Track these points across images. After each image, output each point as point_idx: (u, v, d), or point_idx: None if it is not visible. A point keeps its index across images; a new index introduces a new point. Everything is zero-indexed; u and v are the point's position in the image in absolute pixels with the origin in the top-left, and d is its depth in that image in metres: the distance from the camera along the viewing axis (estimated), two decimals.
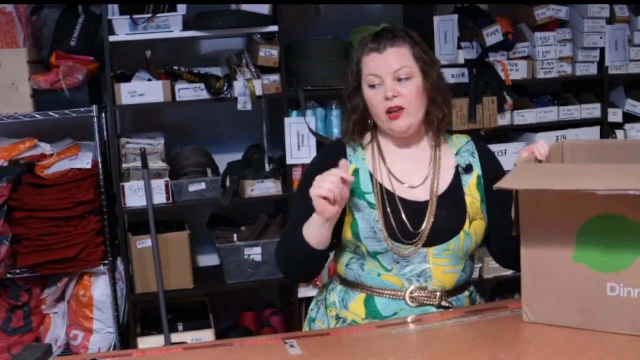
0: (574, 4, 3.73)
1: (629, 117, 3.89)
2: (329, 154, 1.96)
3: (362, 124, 1.94)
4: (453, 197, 1.89)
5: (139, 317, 3.51)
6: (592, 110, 3.78)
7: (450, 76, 3.58)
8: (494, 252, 1.99)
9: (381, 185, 1.89)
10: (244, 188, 3.45)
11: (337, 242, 1.93)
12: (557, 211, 1.59)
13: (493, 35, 3.56)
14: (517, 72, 3.67)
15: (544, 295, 1.64)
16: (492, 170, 1.95)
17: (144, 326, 3.49)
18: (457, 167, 1.94)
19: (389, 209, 1.86)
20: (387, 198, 1.87)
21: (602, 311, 1.57)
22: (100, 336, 3.37)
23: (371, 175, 1.90)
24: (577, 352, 1.51)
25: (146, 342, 3.34)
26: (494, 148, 3.62)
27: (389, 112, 1.85)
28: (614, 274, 1.55)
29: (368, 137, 1.97)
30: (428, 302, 1.86)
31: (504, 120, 3.66)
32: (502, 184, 1.58)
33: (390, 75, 1.84)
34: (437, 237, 1.85)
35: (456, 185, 1.91)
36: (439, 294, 1.87)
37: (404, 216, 1.86)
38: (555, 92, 3.97)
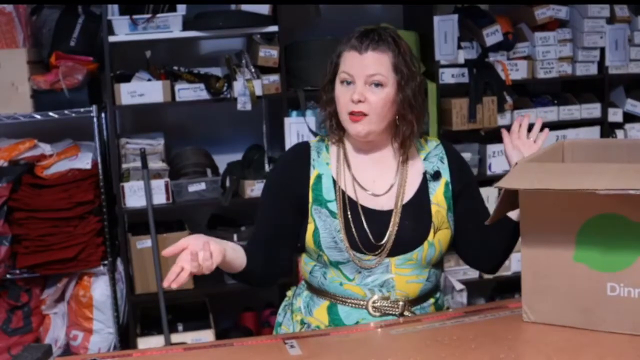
0: (574, 3, 3.73)
1: (629, 117, 3.89)
2: (292, 158, 1.93)
3: (337, 117, 1.88)
4: (418, 206, 1.85)
5: (138, 317, 3.51)
6: (592, 110, 3.78)
7: (450, 76, 3.58)
8: (466, 257, 1.97)
9: (344, 193, 1.84)
10: (243, 188, 3.45)
11: (301, 246, 1.90)
12: (558, 211, 1.59)
13: (493, 35, 3.56)
14: (517, 71, 3.67)
15: (544, 295, 1.64)
16: (462, 176, 1.91)
17: (144, 326, 3.49)
18: (424, 174, 1.89)
19: (350, 219, 1.82)
20: (350, 207, 1.83)
21: (602, 311, 1.57)
22: (100, 336, 3.37)
23: (334, 182, 1.86)
24: (577, 352, 1.51)
25: (146, 342, 3.34)
26: (494, 148, 3.64)
27: (351, 113, 1.80)
28: (614, 273, 1.55)
29: (334, 139, 1.91)
30: (390, 312, 1.83)
31: (503, 120, 3.66)
32: (502, 184, 1.58)
33: (363, 78, 1.79)
34: (400, 247, 1.82)
35: (422, 193, 1.86)
36: (401, 303, 1.84)
37: (366, 226, 1.82)
38: (555, 91, 3.97)
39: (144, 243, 3.40)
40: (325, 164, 1.88)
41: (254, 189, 3.44)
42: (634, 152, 1.82)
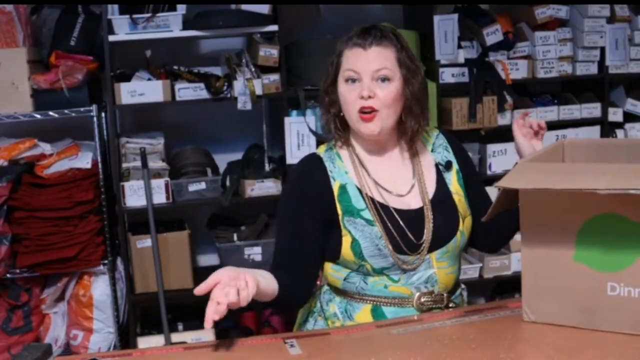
0: (574, 3, 3.73)
1: (629, 117, 3.89)
2: (308, 173, 1.88)
3: (342, 118, 1.86)
4: (443, 199, 1.87)
5: (138, 316, 3.51)
6: (592, 109, 3.78)
7: (450, 75, 3.58)
8: (478, 241, 1.98)
9: (372, 199, 1.83)
10: (243, 187, 3.45)
11: (326, 256, 1.87)
12: (558, 211, 1.59)
13: (493, 34, 3.56)
14: (517, 71, 3.67)
15: (544, 295, 1.64)
16: (466, 162, 1.96)
17: (144, 326, 3.49)
18: (436, 165, 1.91)
19: (389, 223, 1.81)
20: (384, 211, 1.82)
21: (602, 311, 1.57)
22: (100, 336, 3.37)
23: (359, 190, 1.84)
24: (577, 352, 1.51)
25: (146, 342, 3.34)
26: (494, 147, 3.64)
27: (362, 112, 1.78)
28: (614, 273, 1.55)
29: (340, 142, 1.89)
30: (435, 306, 1.85)
31: (504, 120, 3.65)
32: (503, 183, 1.58)
33: (369, 74, 1.78)
34: (438, 242, 1.83)
35: (442, 186, 1.89)
36: (445, 295, 1.86)
37: (405, 228, 1.82)
38: (555, 91, 3.97)
39: (144, 242, 3.40)
40: (344, 173, 1.86)
41: (254, 188, 3.44)
42: (634, 152, 1.81)
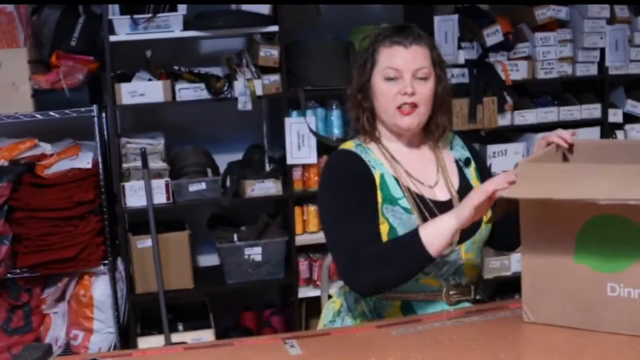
0: (574, 4, 3.74)
1: (629, 118, 3.89)
2: (350, 165, 1.89)
3: (373, 116, 1.92)
4: (467, 192, 1.87)
5: (139, 317, 3.51)
6: (592, 110, 3.78)
7: (450, 76, 3.58)
8: (494, 240, 1.99)
9: (408, 189, 1.87)
10: (244, 188, 3.45)
11: None
12: (558, 212, 1.59)
13: (493, 35, 3.57)
14: (517, 72, 3.68)
15: (544, 296, 1.64)
16: (481, 161, 2.04)
17: (144, 326, 3.49)
18: (456, 162, 1.98)
19: (425, 212, 1.85)
20: (420, 201, 1.86)
21: (602, 311, 1.57)
22: (100, 336, 3.37)
23: (395, 180, 1.88)
24: (577, 352, 1.51)
25: (146, 342, 3.34)
26: (494, 148, 3.64)
27: (401, 107, 1.84)
28: (614, 274, 1.55)
29: (368, 137, 1.94)
30: (463, 299, 1.87)
31: (504, 121, 3.66)
32: (505, 193, 1.59)
33: (411, 72, 1.83)
34: (467, 232, 1.85)
35: (464, 180, 1.95)
36: (472, 287, 1.88)
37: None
38: (555, 92, 3.97)
39: (145, 243, 3.40)
40: (380, 164, 1.90)
41: (254, 188, 3.44)
42: (634, 152, 1.82)
